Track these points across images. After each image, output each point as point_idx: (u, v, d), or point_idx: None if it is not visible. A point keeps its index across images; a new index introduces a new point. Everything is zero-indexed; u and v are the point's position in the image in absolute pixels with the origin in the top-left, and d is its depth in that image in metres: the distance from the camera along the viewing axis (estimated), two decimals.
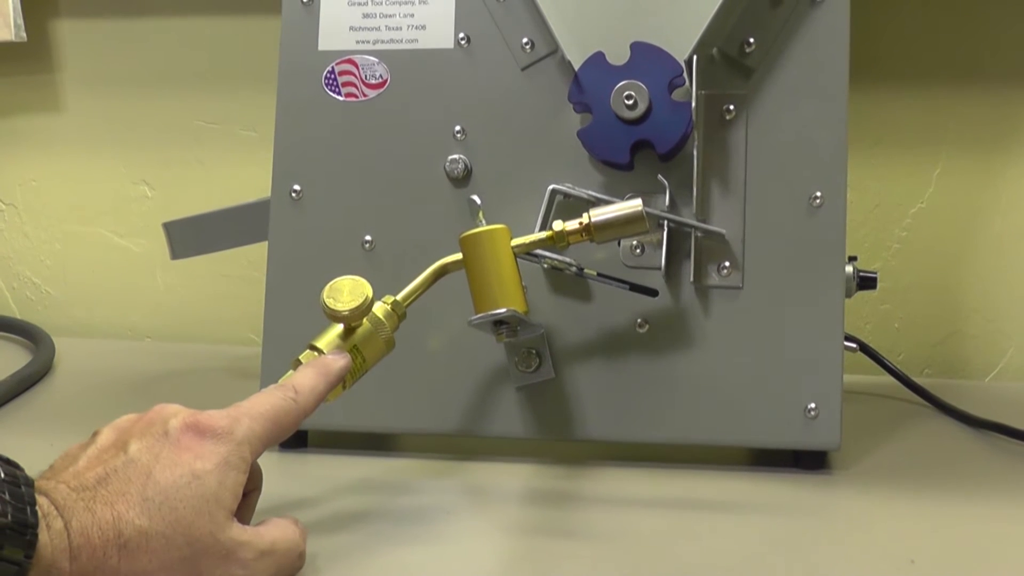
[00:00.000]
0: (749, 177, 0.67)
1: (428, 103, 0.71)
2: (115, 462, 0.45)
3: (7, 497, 0.40)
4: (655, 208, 0.66)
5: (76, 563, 0.42)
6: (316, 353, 0.56)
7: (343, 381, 0.55)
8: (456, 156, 0.70)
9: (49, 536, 0.42)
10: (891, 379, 0.89)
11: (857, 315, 1.02)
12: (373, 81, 0.71)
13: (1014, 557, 0.55)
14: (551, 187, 0.68)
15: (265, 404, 0.51)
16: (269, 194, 0.72)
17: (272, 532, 0.48)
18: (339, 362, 0.55)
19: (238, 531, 0.46)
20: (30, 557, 0.40)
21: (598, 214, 0.61)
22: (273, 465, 0.68)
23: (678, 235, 0.67)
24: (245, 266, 1.10)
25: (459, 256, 0.61)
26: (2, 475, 0.41)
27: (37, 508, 0.41)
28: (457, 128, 0.70)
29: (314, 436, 0.73)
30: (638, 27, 0.67)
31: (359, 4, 0.72)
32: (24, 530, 0.40)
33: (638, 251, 0.68)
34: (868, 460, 0.70)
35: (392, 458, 0.70)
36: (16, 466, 0.43)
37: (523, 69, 0.70)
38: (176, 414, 0.48)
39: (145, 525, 0.44)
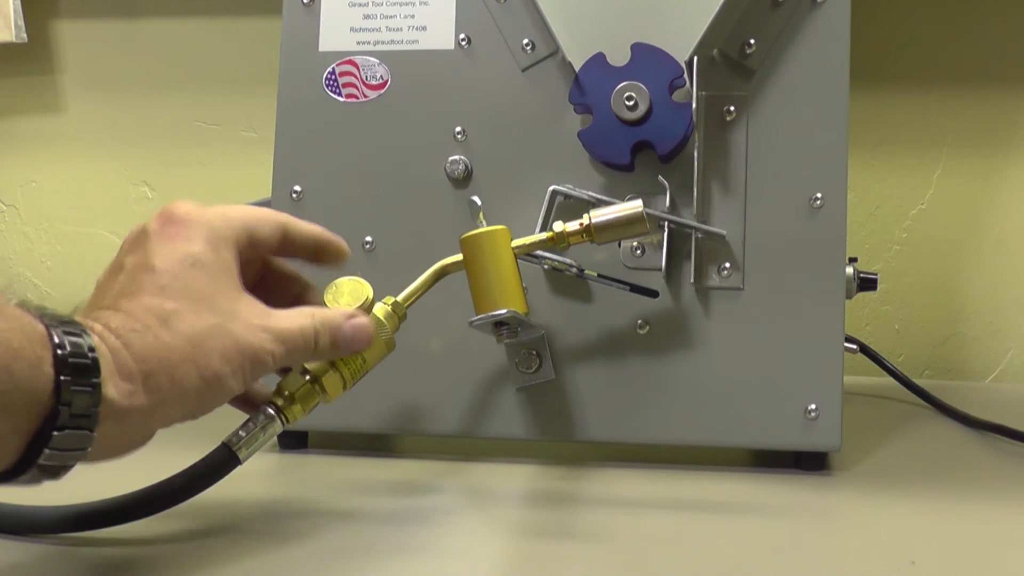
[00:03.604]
0: (750, 178, 0.67)
1: (429, 104, 0.71)
2: (119, 277, 0.47)
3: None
4: (655, 209, 0.66)
5: (130, 349, 0.43)
6: None
7: (344, 382, 0.55)
8: (456, 157, 0.70)
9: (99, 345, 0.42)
10: (891, 380, 0.89)
11: (858, 316, 1.02)
12: (374, 82, 0.71)
13: (1014, 558, 0.55)
14: (552, 188, 0.68)
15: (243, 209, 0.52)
16: (270, 195, 0.72)
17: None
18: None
19: (248, 300, 0.49)
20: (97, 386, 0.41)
21: (598, 215, 0.61)
22: (273, 466, 0.68)
23: (678, 236, 0.67)
24: None
25: (460, 257, 0.61)
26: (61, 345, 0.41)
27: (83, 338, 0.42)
28: (458, 129, 0.70)
29: (315, 437, 0.73)
30: (638, 28, 0.67)
31: (360, 5, 0.72)
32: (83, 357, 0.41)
33: (638, 252, 0.68)
34: (868, 461, 0.70)
35: (393, 459, 0.70)
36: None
37: (524, 70, 0.70)
38: (147, 221, 0.49)
39: (172, 306, 0.45)
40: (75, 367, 0.40)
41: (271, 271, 0.56)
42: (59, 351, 0.40)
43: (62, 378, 0.40)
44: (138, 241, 0.48)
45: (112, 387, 0.42)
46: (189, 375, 0.45)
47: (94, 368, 0.41)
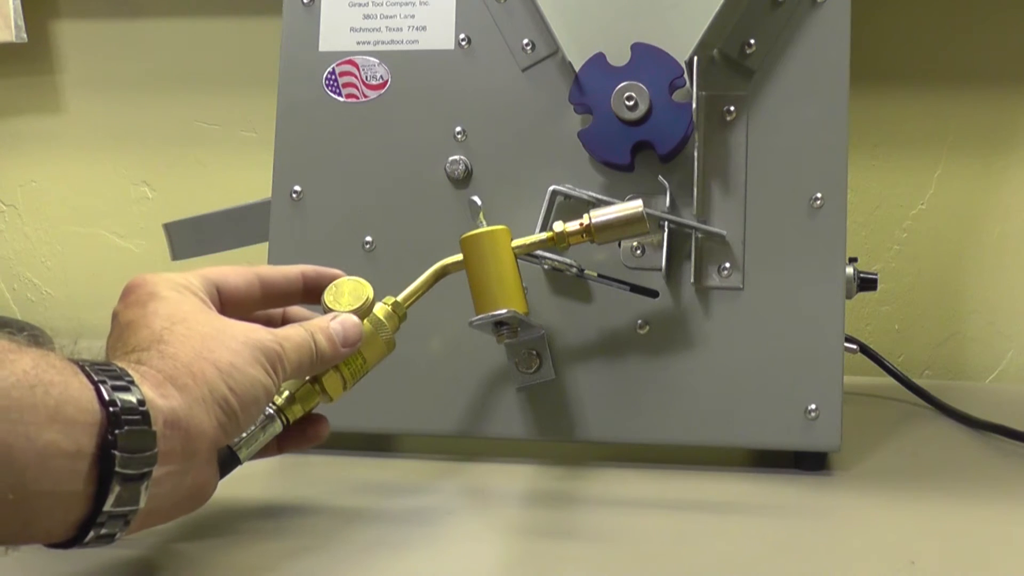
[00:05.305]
0: (749, 178, 0.67)
1: (429, 104, 0.71)
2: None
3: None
4: (655, 209, 0.66)
5: (146, 366, 0.45)
6: None
7: (344, 382, 0.55)
8: (456, 157, 0.70)
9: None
10: (891, 380, 0.89)
11: (858, 316, 1.02)
12: (374, 82, 0.71)
13: (1014, 558, 0.55)
14: (552, 188, 0.68)
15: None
16: (270, 195, 0.72)
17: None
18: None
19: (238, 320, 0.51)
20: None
21: (599, 215, 0.61)
22: (274, 465, 0.68)
23: (679, 236, 0.67)
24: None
25: (460, 257, 0.61)
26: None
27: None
28: (458, 129, 0.70)
29: None
30: (638, 28, 0.67)
31: (360, 5, 0.72)
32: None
33: (638, 252, 0.68)
34: (868, 461, 0.70)
35: (393, 459, 0.70)
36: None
37: (524, 70, 0.70)
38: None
39: (166, 333, 0.47)
40: (108, 373, 0.42)
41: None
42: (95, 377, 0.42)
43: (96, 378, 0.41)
44: (112, 327, 0.50)
45: (147, 388, 0.43)
46: (206, 369, 0.46)
47: (126, 374, 0.43)
